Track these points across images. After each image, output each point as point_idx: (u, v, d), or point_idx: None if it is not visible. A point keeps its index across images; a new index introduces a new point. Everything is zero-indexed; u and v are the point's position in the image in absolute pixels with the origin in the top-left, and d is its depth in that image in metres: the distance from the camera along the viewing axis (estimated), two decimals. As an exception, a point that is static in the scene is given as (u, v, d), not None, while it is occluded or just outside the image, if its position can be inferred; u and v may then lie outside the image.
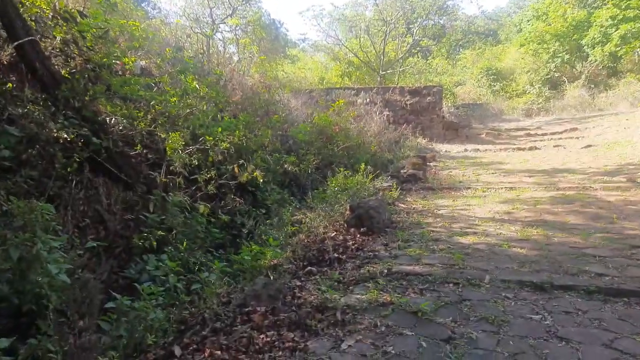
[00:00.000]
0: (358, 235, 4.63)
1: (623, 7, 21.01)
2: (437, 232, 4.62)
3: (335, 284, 3.33)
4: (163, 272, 3.47)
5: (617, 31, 20.75)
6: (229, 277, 3.62)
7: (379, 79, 22.26)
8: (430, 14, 23.29)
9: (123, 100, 4.53)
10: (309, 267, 3.82)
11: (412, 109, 14.18)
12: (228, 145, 5.04)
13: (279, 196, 5.90)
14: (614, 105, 18.37)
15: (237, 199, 5.11)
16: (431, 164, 10.33)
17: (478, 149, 12.27)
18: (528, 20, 28.10)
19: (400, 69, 23.65)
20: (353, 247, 4.33)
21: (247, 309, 2.93)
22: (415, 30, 23.48)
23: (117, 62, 4.78)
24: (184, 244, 3.85)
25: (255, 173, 5.04)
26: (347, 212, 5.03)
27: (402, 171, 8.32)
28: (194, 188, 4.62)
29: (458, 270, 3.39)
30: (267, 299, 3.04)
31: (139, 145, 4.27)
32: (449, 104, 21.39)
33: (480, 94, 25.28)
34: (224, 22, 18.00)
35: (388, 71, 22.90)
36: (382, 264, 3.66)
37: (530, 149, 11.75)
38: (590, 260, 3.42)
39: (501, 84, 26.30)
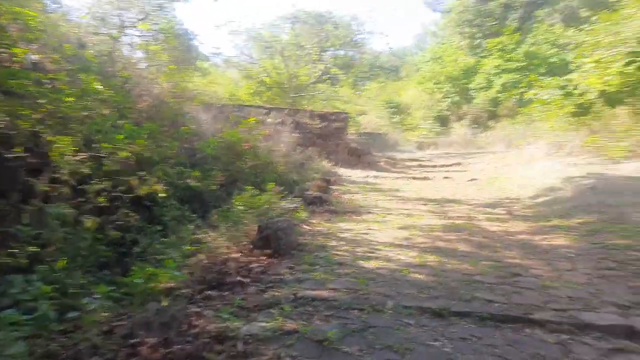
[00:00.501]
0: (263, 258, 4.47)
1: (506, 59, 24.11)
2: (341, 255, 4.64)
3: (237, 310, 3.13)
4: (31, 295, 2.95)
5: (499, 79, 23.68)
6: (114, 302, 3.21)
7: (289, 101, 22.56)
8: (344, 44, 24.41)
9: (7, 95, 3.89)
10: (209, 292, 3.56)
11: (320, 132, 14.51)
12: (128, 155, 4.59)
13: (179, 212, 5.51)
14: (492, 144, 20.68)
15: (131, 213, 4.65)
16: (335, 187, 10.57)
17: (378, 176, 12.89)
18: (427, 62, 30.83)
19: (311, 94, 24.26)
20: (258, 269, 4.15)
21: (134, 340, 2.60)
22: (327, 58, 24.33)
23: (5, 52, 4.14)
24: (62, 263, 3.35)
25: (156, 186, 4.65)
26: (254, 232, 4.86)
27: (307, 193, 8.36)
28: (82, 199, 4.10)
29: (362, 295, 3.41)
30: (159, 328, 2.73)
31: (19, 147, 3.68)
32: (353, 132, 22.39)
33: (380, 125, 26.87)
34: (134, 27, 16.87)
35: (299, 94, 23.34)
36: (287, 289, 3.54)
37: (424, 178, 12.66)
38: (480, 287, 3.67)
39: (399, 117, 28.29)
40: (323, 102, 25.49)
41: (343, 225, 6.44)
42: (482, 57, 26.45)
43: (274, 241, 4.61)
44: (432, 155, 19.30)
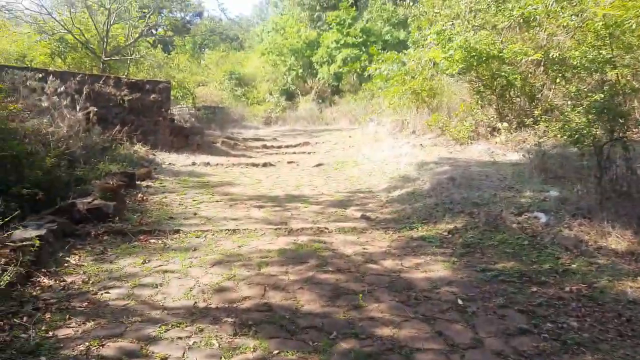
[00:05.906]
0: None
1: (344, 33, 23.42)
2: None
3: None
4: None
5: (340, 54, 22.93)
6: None
7: (101, 65, 18.09)
8: (172, 2, 20.56)
9: None
10: None
11: (132, 107, 11.21)
12: None
13: None
14: (337, 120, 19.97)
15: None
16: (144, 183, 7.79)
17: (209, 163, 10.40)
18: (268, 32, 28.71)
19: (131, 57, 20.00)
20: None
21: None
22: (148, 16, 20.21)
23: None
24: None
25: None
26: None
27: (83, 201, 5.48)
28: None
29: None
30: None
31: None
32: (189, 105, 19.38)
33: (222, 97, 24.17)
34: None
35: (113, 58, 18.97)
36: None
37: (265, 165, 10.63)
38: None
39: (243, 90, 25.91)
40: (154, 69, 21.55)
41: (121, 264, 3.93)
42: (323, 30, 25.42)
43: None
44: (278, 133, 17.44)
